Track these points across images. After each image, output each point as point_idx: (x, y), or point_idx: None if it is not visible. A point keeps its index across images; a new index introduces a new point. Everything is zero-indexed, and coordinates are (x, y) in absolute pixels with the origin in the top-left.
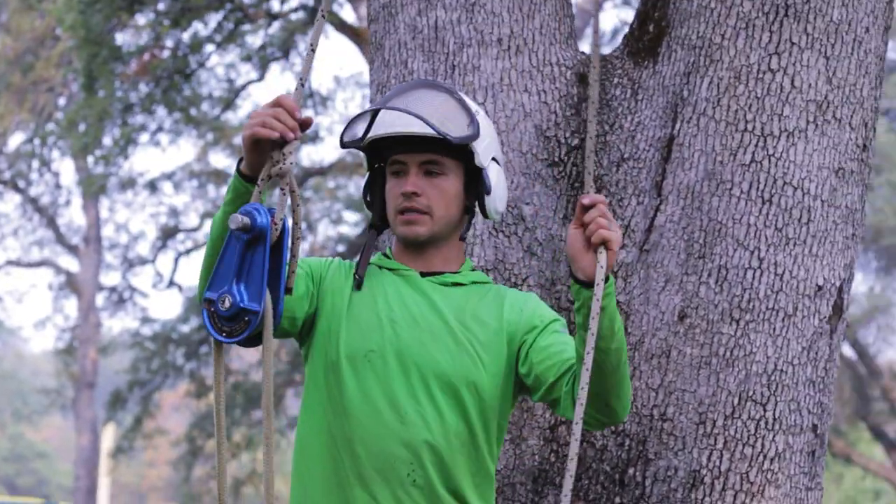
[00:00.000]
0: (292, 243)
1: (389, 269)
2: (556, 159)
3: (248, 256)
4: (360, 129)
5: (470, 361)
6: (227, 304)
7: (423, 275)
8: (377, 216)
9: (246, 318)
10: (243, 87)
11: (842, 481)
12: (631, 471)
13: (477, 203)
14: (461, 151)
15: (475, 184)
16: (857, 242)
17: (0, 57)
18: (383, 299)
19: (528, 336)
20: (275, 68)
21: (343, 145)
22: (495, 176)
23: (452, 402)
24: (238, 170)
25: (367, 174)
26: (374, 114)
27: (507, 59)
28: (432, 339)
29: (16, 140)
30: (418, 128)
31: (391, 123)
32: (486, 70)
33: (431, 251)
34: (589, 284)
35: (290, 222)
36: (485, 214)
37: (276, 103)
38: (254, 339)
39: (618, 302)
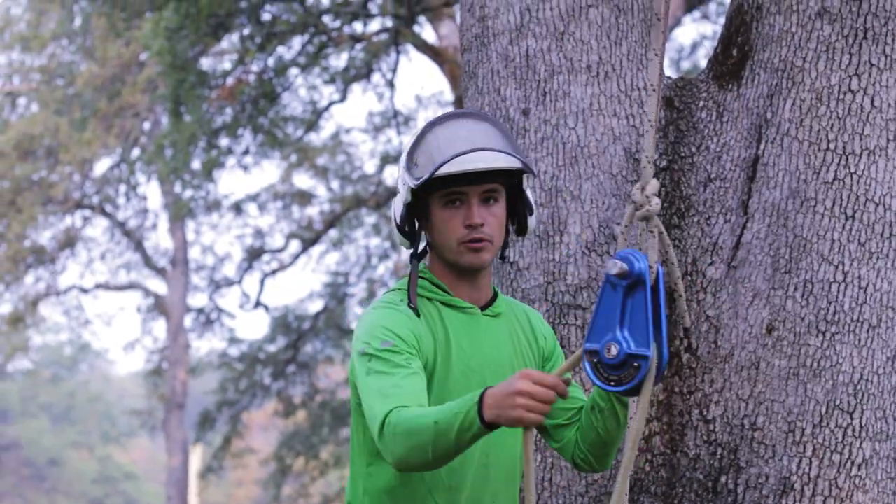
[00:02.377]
0: (674, 283)
1: (449, 306)
2: None
3: (629, 302)
4: (427, 170)
5: None
6: (613, 351)
7: (481, 309)
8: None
9: (635, 364)
10: (326, 107)
11: None
12: (723, 479)
13: (517, 222)
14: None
15: (514, 204)
16: None
17: (87, 84)
18: (457, 345)
19: (547, 364)
20: (357, 89)
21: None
22: (530, 194)
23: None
24: (482, 417)
25: (406, 204)
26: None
27: (596, 84)
28: (508, 369)
29: (103, 165)
30: (504, 162)
31: (463, 162)
32: (576, 96)
33: (482, 278)
34: None
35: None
36: (525, 232)
37: (539, 385)
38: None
39: (707, 316)
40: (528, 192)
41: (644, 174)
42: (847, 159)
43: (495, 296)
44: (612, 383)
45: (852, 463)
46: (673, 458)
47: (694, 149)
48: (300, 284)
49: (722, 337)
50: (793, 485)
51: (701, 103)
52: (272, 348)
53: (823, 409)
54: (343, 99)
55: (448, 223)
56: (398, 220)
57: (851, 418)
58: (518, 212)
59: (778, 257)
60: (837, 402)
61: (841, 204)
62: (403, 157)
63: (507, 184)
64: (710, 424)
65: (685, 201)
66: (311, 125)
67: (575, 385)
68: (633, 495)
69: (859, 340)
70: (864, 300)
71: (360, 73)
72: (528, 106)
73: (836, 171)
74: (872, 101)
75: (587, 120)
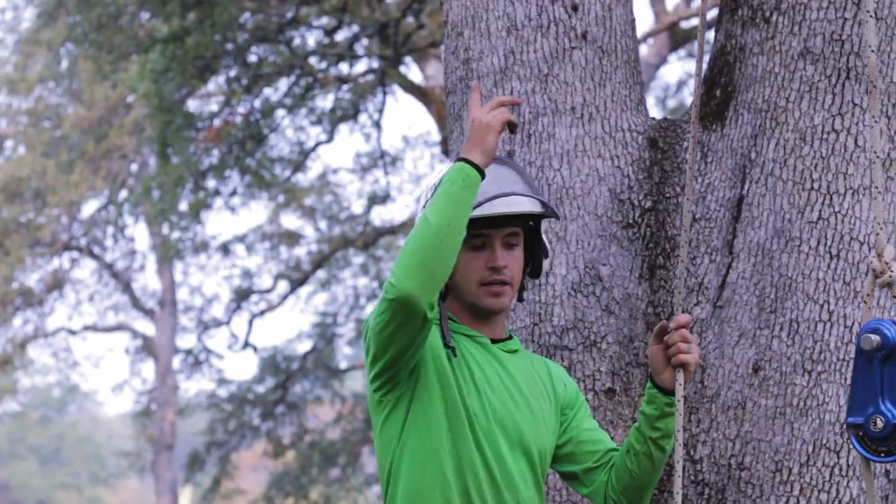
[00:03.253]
0: None
1: (463, 335)
2: (631, 221)
3: (887, 372)
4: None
5: (544, 430)
6: (879, 424)
7: (493, 342)
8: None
9: None
10: (313, 148)
11: None
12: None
13: (531, 264)
14: (528, 219)
15: (531, 247)
16: None
17: (74, 126)
18: (474, 364)
19: (569, 411)
20: (343, 129)
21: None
22: (545, 238)
23: (528, 469)
24: (470, 163)
25: None
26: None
27: (580, 126)
28: (516, 408)
29: (90, 207)
30: (530, 206)
31: (493, 206)
32: (560, 137)
33: (494, 321)
34: (667, 392)
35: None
36: (538, 275)
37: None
38: None
39: None
40: (544, 236)
41: (878, 242)
42: (831, 199)
43: (510, 337)
44: (882, 454)
45: (839, 502)
46: (661, 497)
47: (679, 189)
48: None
49: (708, 377)
50: None
51: (685, 144)
52: (261, 389)
53: (810, 449)
54: (330, 139)
55: (471, 265)
56: None
57: (838, 457)
58: (534, 254)
59: (763, 297)
60: (824, 441)
61: (826, 243)
62: (427, 197)
63: (525, 227)
64: (698, 465)
65: (670, 242)
66: (299, 166)
67: (599, 429)
68: None
69: (845, 379)
70: (849, 339)
71: (346, 113)
72: (513, 148)
73: (820, 211)
74: (856, 141)
75: (572, 161)
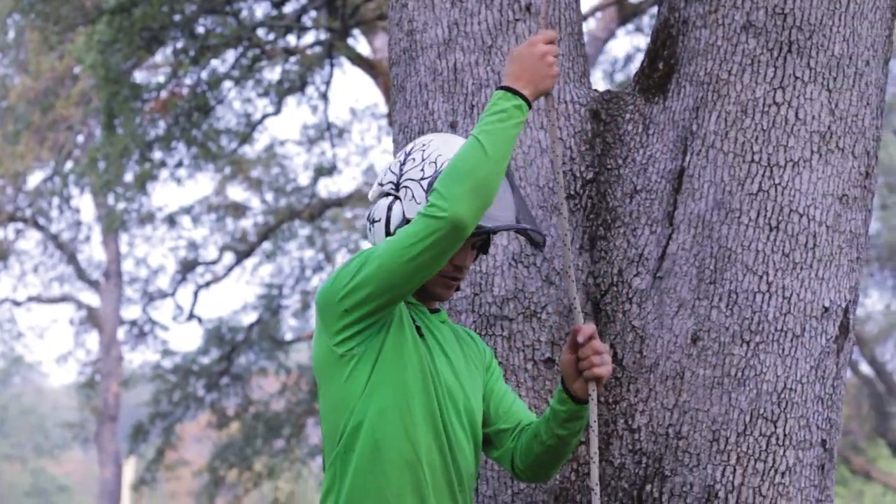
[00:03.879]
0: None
1: (408, 303)
2: (572, 192)
3: None
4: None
5: (479, 397)
6: None
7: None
8: None
9: None
10: (260, 120)
11: (862, 498)
12: (648, 487)
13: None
14: None
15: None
16: (862, 265)
17: (20, 97)
18: (425, 329)
19: (486, 375)
20: (291, 101)
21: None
22: None
23: (471, 437)
24: (525, 99)
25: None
26: None
27: None
28: (460, 375)
29: (36, 178)
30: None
31: (497, 218)
32: None
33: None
34: (578, 401)
35: None
36: (486, 252)
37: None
38: None
39: (633, 327)
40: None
41: None
42: (771, 171)
43: (438, 310)
44: None
45: (776, 471)
46: (598, 467)
47: (620, 161)
48: (234, 296)
49: (647, 347)
50: (717, 493)
51: (627, 116)
52: (205, 360)
53: (747, 418)
54: (277, 112)
55: None
56: (393, 227)
57: (775, 427)
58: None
59: (703, 268)
60: (761, 410)
61: (765, 215)
62: (422, 181)
63: None
64: (636, 434)
65: (611, 213)
66: (246, 138)
67: (512, 393)
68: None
69: (783, 350)
70: (787, 310)
71: (294, 85)
72: (456, 119)
73: (760, 183)
74: (797, 114)
75: None
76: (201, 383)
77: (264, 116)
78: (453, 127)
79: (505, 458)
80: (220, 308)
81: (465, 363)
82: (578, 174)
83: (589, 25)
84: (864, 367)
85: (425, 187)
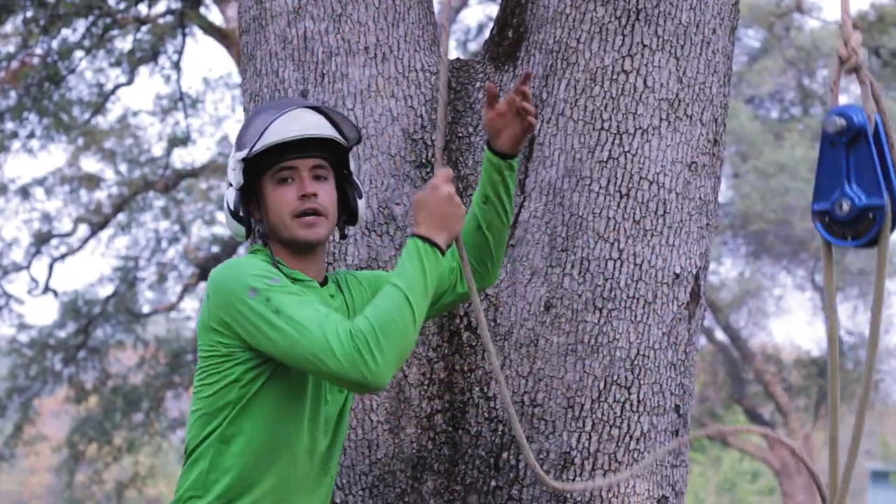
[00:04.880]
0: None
1: (296, 280)
2: (424, 161)
3: (852, 156)
4: (252, 141)
5: None
6: (845, 207)
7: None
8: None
9: (870, 216)
10: (113, 90)
11: (720, 464)
12: (505, 455)
13: (347, 209)
14: (335, 158)
15: (344, 189)
16: (712, 232)
17: None
18: None
19: (371, 289)
20: (143, 71)
21: (240, 150)
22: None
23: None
24: (440, 249)
25: (239, 190)
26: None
27: (373, 66)
28: None
29: None
30: (318, 129)
31: (287, 130)
32: (354, 77)
33: (317, 257)
34: (508, 156)
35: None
36: (355, 219)
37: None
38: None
39: (486, 294)
40: (355, 178)
41: (844, 30)
42: (621, 138)
43: (326, 280)
44: (849, 238)
45: (630, 437)
46: (455, 435)
47: (471, 129)
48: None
49: (501, 315)
50: (573, 459)
51: (478, 84)
52: (62, 334)
53: (601, 385)
54: (130, 82)
55: (281, 198)
56: (232, 207)
57: (629, 393)
58: (348, 196)
59: (555, 235)
60: (615, 377)
61: (615, 182)
62: (234, 146)
63: (332, 161)
64: (491, 402)
65: (463, 181)
66: (99, 108)
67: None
68: (416, 473)
69: (635, 316)
70: (639, 277)
71: (146, 55)
72: (307, 87)
73: (610, 151)
74: (645, 81)
75: (365, 101)
76: (58, 357)
77: (117, 87)
78: (304, 96)
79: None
80: (75, 281)
81: None
82: (430, 142)
83: None
84: (719, 335)
85: (233, 154)
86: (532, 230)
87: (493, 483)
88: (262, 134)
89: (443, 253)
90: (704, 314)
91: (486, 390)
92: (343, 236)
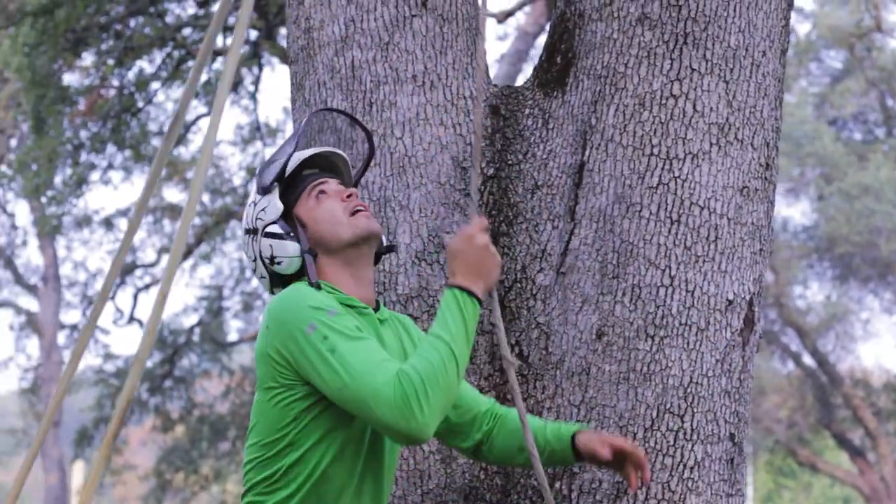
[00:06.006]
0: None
1: (350, 307)
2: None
3: None
4: (278, 168)
5: None
6: None
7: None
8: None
9: None
10: (193, 121)
11: (811, 490)
12: (557, 485)
13: None
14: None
15: None
16: (766, 257)
17: None
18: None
19: None
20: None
21: (271, 183)
22: None
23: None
24: (478, 299)
25: (276, 221)
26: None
27: (422, 94)
28: None
29: None
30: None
31: (311, 150)
32: (402, 106)
33: (369, 276)
34: (578, 456)
35: None
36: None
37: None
38: None
39: (538, 323)
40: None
41: None
42: (671, 164)
43: (378, 307)
44: None
45: (684, 466)
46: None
47: (521, 156)
48: (174, 298)
49: (552, 343)
50: (626, 489)
51: (527, 111)
52: (148, 363)
53: (654, 413)
54: (209, 112)
55: (329, 206)
56: (267, 253)
57: (682, 421)
58: None
59: (605, 263)
60: (668, 405)
61: (666, 208)
62: (254, 194)
63: None
64: None
65: (513, 209)
66: (180, 139)
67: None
68: (468, 503)
69: (688, 344)
70: (691, 304)
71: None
72: (355, 117)
73: (660, 176)
74: (694, 106)
75: (414, 130)
76: (145, 387)
77: (198, 118)
78: (352, 125)
79: (471, 449)
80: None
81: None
82: (479, 170)
83: (519, 21)
84: (807, 359)
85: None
86: (583, 258)
87: None
88: (289, 158)
89: (481, 303)
90: (759, 341)
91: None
92: (376, 262)
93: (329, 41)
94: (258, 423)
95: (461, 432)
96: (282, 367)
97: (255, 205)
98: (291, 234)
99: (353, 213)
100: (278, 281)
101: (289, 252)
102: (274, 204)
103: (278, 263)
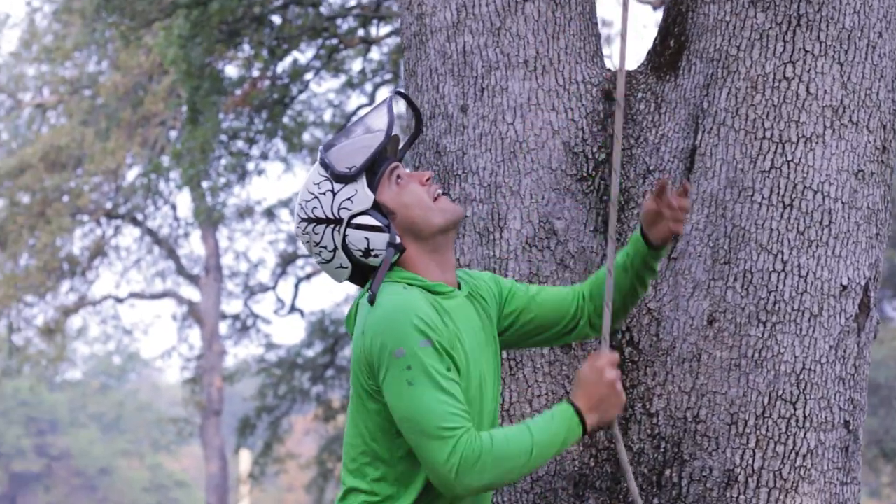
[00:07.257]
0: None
1: (437, 293)
2: (585, 174)
3: None
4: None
5: (496, 370)
6: None
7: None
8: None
9: None
10: (354, 111)
11: None
12: (667, 472)
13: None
14: None
15: None
16: (883, 242)
17: (110, 93)
18: (456, 339)
19: (508, 300)
20: (384, 92)
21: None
22: None
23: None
24: (584, 428)
25: (367, 214)
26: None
27: (534, 79)
28: (488, 380)
29: (130, 174)
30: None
31: (382, 132)
32: (514, 91)
33: (451, 256)
34: (655, 247)
35: None
36: None
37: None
38: None
39: (649, 309)
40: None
41: None
42: (784, 147)
43: (459, 285)
44: None
45: (796, 454)
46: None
47: (633, 141)
48: (335, 288)
49: (663, 329)
50: (737, 477)
51: (639, 95)
52: (310, 353)
53: (766, 400)
54: (371, 102)
55: (413, 190)
56: (361, 247)
57: (794, 408)
58: None
59: (717, 248)
60: (780, 392)
61: (779, 192)
62: (322, 179)
63: None
64: (654, 418)
65: (625, 194)
66: (341, 129)
67: (541, 286)
68: (577, 491)
69: (801, 330)
70: (804, 289)
71: (386, 74)
72: (467, 102)
73: (773, 160)
74: (808, 88)
75: (525, 115)
76: (306, 376)
77: (359, 107)
78: (464, 111)
79: (583, 333)
80: (321, 300)
81: (488, 336)
82: (591, 155)
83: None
84: None
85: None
86: (694, 243)
87: (655, 501)
88: (381, 145)
89: (586, 433)
90: (877, 327)
91: (648, 406)
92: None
93: (441, 27)
94: (352, 431)
95: (566, 334)
96: (368, 374)
97: (335, 193)
98: (389, 226)
99: (436, 197)
100: (359, 272)
101: (384, 244)
102: (364, 192)
103: (375, 256)
